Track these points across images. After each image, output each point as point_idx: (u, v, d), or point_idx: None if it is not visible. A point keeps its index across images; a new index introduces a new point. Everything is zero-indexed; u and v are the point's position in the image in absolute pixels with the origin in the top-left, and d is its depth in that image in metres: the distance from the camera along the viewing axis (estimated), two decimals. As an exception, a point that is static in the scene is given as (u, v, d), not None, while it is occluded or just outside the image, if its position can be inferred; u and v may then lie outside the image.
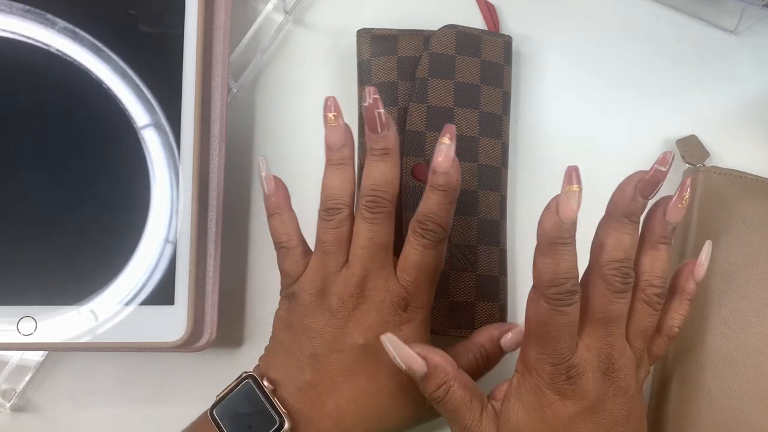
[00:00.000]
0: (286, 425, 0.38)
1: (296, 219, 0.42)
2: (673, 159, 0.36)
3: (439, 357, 0.37)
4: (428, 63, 0.48)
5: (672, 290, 0.41)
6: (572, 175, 0.34)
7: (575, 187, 0.34)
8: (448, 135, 0.38)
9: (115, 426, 0.47)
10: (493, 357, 0.42)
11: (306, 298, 0.40)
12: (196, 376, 0.47)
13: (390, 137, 0.40)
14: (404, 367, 0.37)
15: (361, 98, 0.49)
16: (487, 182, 0.47)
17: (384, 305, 0.39)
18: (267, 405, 0.38)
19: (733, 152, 0.50)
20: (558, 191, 0.46)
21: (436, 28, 0.49)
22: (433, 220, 0.39)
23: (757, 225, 0.46)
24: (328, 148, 0.40)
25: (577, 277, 0.35)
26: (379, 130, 0.39)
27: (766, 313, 0.45)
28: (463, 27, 0.49)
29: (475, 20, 0.52)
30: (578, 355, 0.36)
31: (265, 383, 0.39)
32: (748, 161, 0.50)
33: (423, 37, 0.49)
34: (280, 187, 0.42)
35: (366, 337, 0.39)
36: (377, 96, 0.39)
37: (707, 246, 0.41)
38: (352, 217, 0.40)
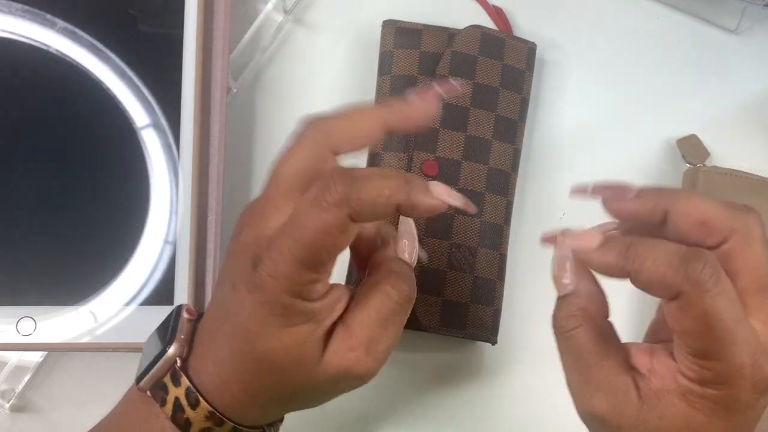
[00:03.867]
0: (170, 350, 0.34)
1: None
2: None
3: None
4: (450, 60, 0.48)
5: None
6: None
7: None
8: None
9: (114, 426, 0.47)
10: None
11: None
12: (195, 377, 0.47)
13: None
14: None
15: (379, 88, 0.49)
16: (495, 186, 0.47)
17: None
18: (171, 328, 0.35)
19: (733, 152, 0.50)
20: (562, 197, 0.46)
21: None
22: None
23: (758, 225, 0.46)
24: None
25: None
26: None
27: (766, 314, 0.45)
28: (489, 29, 0.49)
29: (484, 23, 0.51)
30: None
31: (185, 314, 0.36)
32: (748, 161, 0.49)
33: (448, 34, 0.49)
34: None
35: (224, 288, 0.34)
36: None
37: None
38: None
